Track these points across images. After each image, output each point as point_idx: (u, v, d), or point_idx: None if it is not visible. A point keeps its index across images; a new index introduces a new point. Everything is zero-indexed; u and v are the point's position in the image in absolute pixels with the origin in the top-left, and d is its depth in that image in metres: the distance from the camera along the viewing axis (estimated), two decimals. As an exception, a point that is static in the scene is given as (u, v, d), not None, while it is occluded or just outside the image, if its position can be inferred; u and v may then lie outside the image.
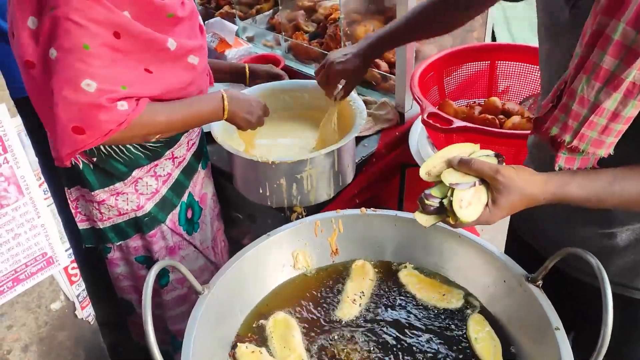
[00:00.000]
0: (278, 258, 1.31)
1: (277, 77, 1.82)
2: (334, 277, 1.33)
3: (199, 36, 1.45)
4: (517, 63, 1.86)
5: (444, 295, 1.25)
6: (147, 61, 1.27)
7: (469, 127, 1.46)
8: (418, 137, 1.86)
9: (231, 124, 1.48)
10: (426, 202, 0.99)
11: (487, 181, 0.98)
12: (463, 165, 0.99)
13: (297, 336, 1.18)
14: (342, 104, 1.71)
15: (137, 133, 1.28)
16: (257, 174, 1.53)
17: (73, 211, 1.49)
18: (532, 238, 1.34)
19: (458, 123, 1.46)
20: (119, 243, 1.55)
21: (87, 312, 1.17)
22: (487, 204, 0.98)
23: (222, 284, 1.17)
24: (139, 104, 1.25)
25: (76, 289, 1.12)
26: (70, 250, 1.07)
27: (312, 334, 1.19)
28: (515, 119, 1.68)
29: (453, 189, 0.97)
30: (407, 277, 1.30)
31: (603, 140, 0.92)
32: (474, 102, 1.91)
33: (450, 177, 0.99)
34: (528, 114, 1.76)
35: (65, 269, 1.08)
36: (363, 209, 1.35)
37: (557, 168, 0.98)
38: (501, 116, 1.73)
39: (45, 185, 0.98)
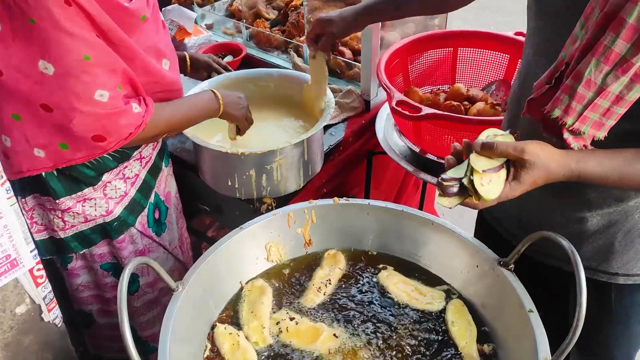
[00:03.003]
0: (251, 251, 1.29)
1: (218, 72, 1.78)
2: (307, 268, 1.33)
3: (162, 30, 1.40)
4: (479, 49, 1.88)
5: (425, 296, 1.24)
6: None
7: (438, 115, 1.47)
8: (384, 125, 1.86)
9: (225, 119, 1.49)
10: (445, 184, 0.97)
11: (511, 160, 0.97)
12: (486, 149, 0.96)
13: (266, 304, 1.21)
14: (310, 93, 1.70)
15: (150, 133, 1.29)
16: (225, 166, 1.50)
17: (28, 222, 1.41)
18: (501, 224, 1.36)
19: (427, 110, 1.47)
20: (82, 252, 1.48)
21: (54, 315, 1.12)
22: (507, 180, 0.97)
23: (196, 280, 1.15)
24: (148, 104, 1.25)
25: (42, 291, 1.07)
26: (36, 252, 1.02)
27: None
28: (480, 105, 1.70)
29: (472, 169, 0.96)
30: (387, 279, 1.28)
31: (603, 122, 0.93)
32: (438, 89, 1.93)
33: (479, 163, 0.96)
34: (491, 100, 1.79)
35: (31, 270, 1.03)
36: (336, 198, 1.34)
37: (575, 148, 0.97)
38: (466, 102, 1.75)
39: (8, 184, 0.93)
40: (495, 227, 1.37)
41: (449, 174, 0.99)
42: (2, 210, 0.93)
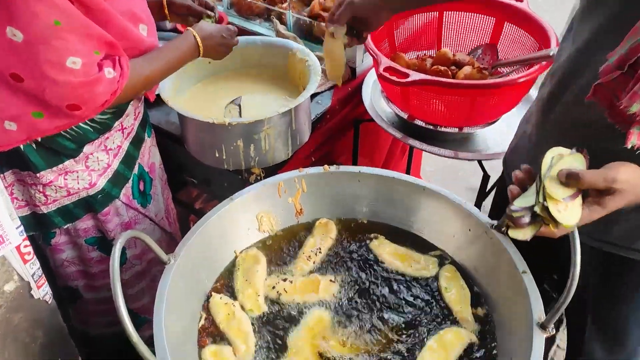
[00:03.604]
0: (242, 222, 1.28)
1: (199, 16, 1.70)
2: (298, 237, 1.32)
3: None
4: (465, 13, 1.86)
5: (418, 263, 1.25)
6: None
7: (426, 80, 1.45)
8: (371, 92, 1.84)
9: (207, 57, 1.46)
10: (516, 215, 0.93)
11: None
12: (572, 179, 0.90)
13: (260, 272, 1.21)
14: (295, 61, 1.66)
15: (129, 94, 1.26)
16: (212, 137, 1.47)
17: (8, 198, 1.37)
18: None
19: (415, 76, 1.45)
20: (66, 226, 1.45)
21: (43, 291, 1.10)
22: (585, 203, 0.91)
23: (187, 252, 1.13)
24: (123, 65, 1.20)
25: (30, 268, 1.05)
26: (22, 228, 1.00)
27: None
28: (467, 69, 1.69)
29: (545, 195, 0.91)
30: (379, 247, 1.29)
31: None
32: (424, 54, 1.90)
33: (557, 191, 0.90)
34: (478, 64, 1.77)
35: (18, 247, 1.00)
36: (326, 166, 1.33)
37: (628, 145, 0.90)
38: (452, 67, 1.74)
39: (-11, 159, 0.89)
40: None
41: (517, 203, 0.94)
42: (-15, 186, 0.90)
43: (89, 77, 1.14)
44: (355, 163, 2.02)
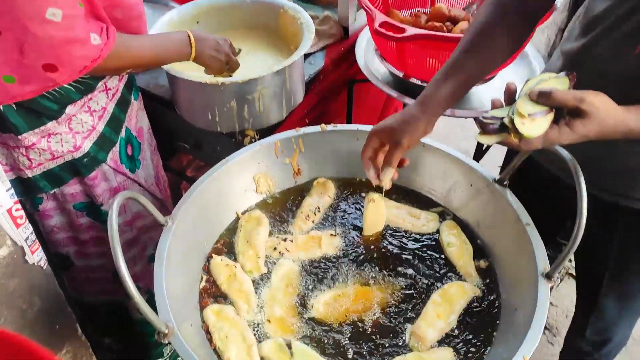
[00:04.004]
0: (239, 183, 1.25)
1: None
2: (296, 198, 1.30)
3: None
4: (459, -32, 1.81)
5: (418, 219, 1.24)
6: None
7: (423, 35, 1.41)
8: (364, 51, 1.80)
9: (199, 64, 1.39)
10: (485, 121, 0.94)
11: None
12: (543, 97, 0.90)
13: (262, 234, 1.20)
14: (286, 20, 1.61)
15: (109, 66, 1.20)
16: (204, 98, 1.43)
17: None
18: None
19: (411, 31, 1.41)
20: (52, 191, 1.41)
21: (38, 257, 1.07)
22: (557, 123, 0.91)
23: (185, 214, 1.11)
24: (109, 36, 1.15)
25: (23, 232, 1.02)
26: (12, 191, 0.96)
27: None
28: (463, 24, 1.65)
29: (515, 109, 0.92)
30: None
31: None
32: (418, 11, 1.86)
33: (526, 107, 0.91)
34: (472, 19, 1.73)
35: (9, 211, 0.97)
36: (323, 125, 1.30)
37: None
38: (448, 23, 1.70)
39: (-25, 118, 0.85)
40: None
41: (491, 113, 0.95)
42: (-27, 146, 0.86)
43: (70, 32, 1.09)
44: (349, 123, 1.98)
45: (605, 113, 0.88)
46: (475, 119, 0.96)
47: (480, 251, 1.16)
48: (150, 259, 1.66)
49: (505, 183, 1.14)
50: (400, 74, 1.67)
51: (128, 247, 1.61)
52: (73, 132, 1.33)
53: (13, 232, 0.99)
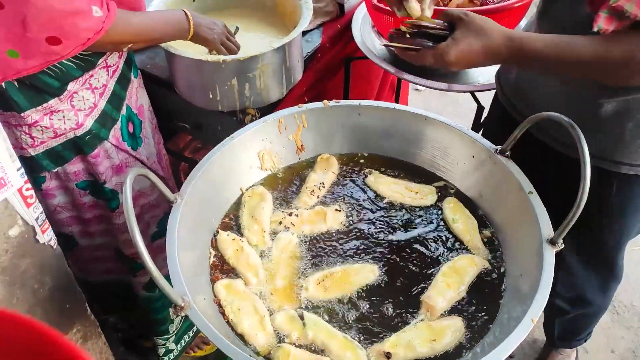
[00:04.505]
0: (244, 160, 1.26)
1: None
2: (300, 173, 1.31)
3: None
4: (454, -58, 1.81)
5: (416, 193, 1.26)
6: None
7: (423, 8, 1.41)
8: (361, 28, 1.80)
9: (197, 42, 1.41)
10: (392, 30, 1.10)
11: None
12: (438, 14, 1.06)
13: (266, 209, 1.22)
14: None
15: (111, 39, 1.20)
16: (205, 76, 1.43)
17: None
18: (519, 111, 1.33)
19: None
20: (55, 170, 1.42)
21: (48, 236, 1.08)
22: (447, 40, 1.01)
23: (193, 190, 1.12)
24: (110, 9, 1.15)
25: (34, 212, 1.02)
26: (22, 170, 0.96)
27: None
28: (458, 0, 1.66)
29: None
30: (376, 183, 1.28)
31: None
32: (413, -12, 1.86)
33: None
34: (469, -6, 1.74)
35: (20, 190, 0.97)
36: (325, 101, 1.31)
37: (595, 28, 0.94)
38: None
39: (-15, 96, 0.85)
40: (509, 113, 1.36)
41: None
42: (-17, 126, 0.86)
43: (72, 4, 1.08)
44: (346, 103, 1.99)
45: (486, 26, 0.98)
46: (389, 34, 1.10)
47: (482, 221, 1.18)
48: (153, 237, 1.67)
49: (507, 154, 1.16)
50: (398, 50, 1.68)
51: (132, 225, 1.62)
52: (75, 110, 1.33)
53: (24, 211, 0.99)
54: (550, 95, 1.21)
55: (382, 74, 2.21)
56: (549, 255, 0.97)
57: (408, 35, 1.05)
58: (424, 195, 1.25)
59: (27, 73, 1.17)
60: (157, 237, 1.69)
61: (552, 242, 0.98)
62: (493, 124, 1.52)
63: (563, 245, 0.98)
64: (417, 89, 3.17)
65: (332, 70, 1.86)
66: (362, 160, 1.34)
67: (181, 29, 1.36)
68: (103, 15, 1.15)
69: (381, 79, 2.22)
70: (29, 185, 0.99)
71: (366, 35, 1.78)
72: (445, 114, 3.18)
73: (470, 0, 1.66)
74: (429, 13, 1.12)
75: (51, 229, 1.08)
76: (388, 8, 1.43)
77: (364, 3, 1.86)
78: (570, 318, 1.62)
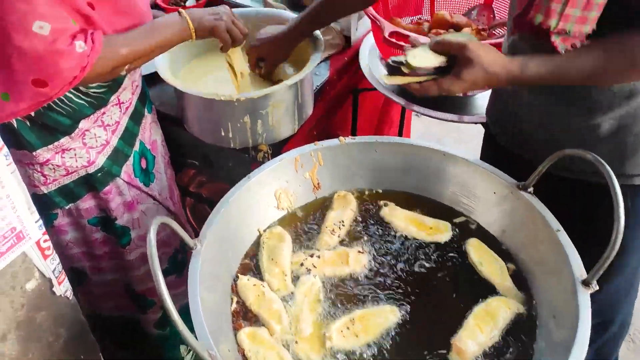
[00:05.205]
0: (262, 200, 1.24)
1: None
2: (318, 212, 1.29)
3: None
4: (458, -26, 1.83)
5: (431, 228, 1.23)
6: None
7: (435, 42, 1.41)
8: (368, 60, 1.80)
9: (203, 35, 1.32)
10: (392, 64, 1.08)
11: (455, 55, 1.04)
12: (436, 45, 1.06)
13: (286, 250, 1.18)
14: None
15: (102, 70, 1.16)
16: (216, 114, 1.41)
17: None
18: (511, 142, 1.34)
19: (423, 40, 1.40)
20: (67, 207, 1.39)
21: (64, 287, 1.05)
22: (450, 75, 1.03)
23: (212, 234, 1.09)
24: (95, 40, 1.11)
25: (51, 264, 0.99)
26: (41, 222, 0.94)
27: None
28: (467, 31, 1.66)
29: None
30: (390, 215, 1.26)
31: (586, 16, 0.95)
32: (419, 19, 1.87)
33: (421, 52, 1.07)
34: (475, 25, 1.74)
35: (38, 242, 0.94)
36: (341, 138, 1.29)
37: (562, 51, 1.00)
38: (451, 30, 1.71)
39: (6, 149, 0.82)
40: (506, 145, 1.36)
41: (398, 57, 1.09)
42: (3, 179, 0.83)
43: (54, 47, 1.06)
44: (354, 133, 1.98)
45: (487, 59, 1.00)
46: (386, 62, 1.09)
47: (507, 255, 1.16)
48: (164, 272, 1.64)
49: (530, 190, 1.14)
50: (408, 82, 1.67)
51: (143, 262, 1.59)
52: (87, 147, 1.32)
53: (41, 264, 0.96)
54: (541, 121, 1.22)
55: (383, 103, 2.21)
56: (584, 299, 0.94)
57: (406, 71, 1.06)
58: (440, 231, 1.22)
59: (20, 115, 1.16)
60: (167, 274, 1.66)
61: (586, 283, 0.96)
62: (487, 152, 1.51)
63: (597, 287, 0.95)
64: (417, 115, 3.17)
65: (340, 102, 1.86)
66: (379, 197, 1.31)
67: (181, 31, 1.28)
68: (87, 49, 1.11)
69: (382, 108, 2.22)
70: (46, 236, 0.96)
71: (374, 67, 1.78)
72: (448, 140, 3.20)
73: (477, 31, 1.67)
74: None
75: (67, 280, 1.05)
76: (400, 42, 1.42)
77: (370, 34, 1.86)
78: (595, 348, 1.58)
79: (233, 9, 1.64)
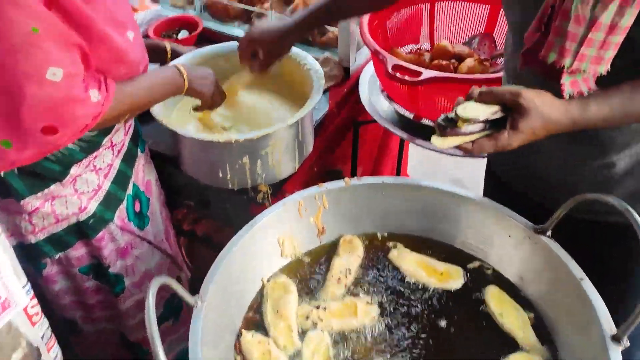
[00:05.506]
0: (264, 248, 1.17)
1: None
2: (324, 258, 1.22)
3: (121, 1, 1.22)
4: (458, 2, 1.79)
5: (441, 274, 1.17)
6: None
7: (442, 77, 1.37)
8: (368, 91, 1.75)
9: (190, 95, 1.34)
10: (443, 124, 0.95)
11: (509, 107, 0.94)
12: (485, 95, 0.94)
13: (291, 302, 1.11)
14: (292, 65, 1.55)
15: (110, 120, 1.15)
16: (214, 156, 1.35)
17: None
18: (516, 179, 1.29)
19: (428, 74, 1.36)
20: (57, 256, 1.32)
21: (53, 354, 0.97)
22: (506, 129, 0.93)
23: (214, 290, 1.02)
24: (109, 89, 1.09)
25: (40, 330, 0.91)
26: (29, 286, 0.86)
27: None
28: (470, 62, 1.62)
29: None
30: (399, 258, 1.20)
31: (602, 56, 0.90)
32: (419, 49, 1.83)
33: (468, 105, 0.95)
34: (477, 55, 1.70)
35: (25, 309, 0.87)
36: (347, 179, 1.23)
37: (566, 96, 0.93)
38: (453, 60, 1.66)
39: (-11, 214, 0.75)
40: (507, 183, 1.31)
41: (450, 114, 0.96)
42: (-14, 246, 0.76)
43: (70, 92, 1.03)
44: (354, 167, 1.92)
45: (545, 106, 0.91)
46: (435, 122, 0.97)
47: (526, 304, 1.09)
48: (161, 319, 1.56)
49: (548, 234, 1.08)
50: (411, 115, 1.62)
51: (138, 310, 1.52)
52: (78, 193, 1.26)
53: (29, 332, 0.88)
54: (554, 162, 1.16)
55: (383, 134, 2.16)
56: (616, 356, 0.88)
57: (459, 126, 0.94)
58: (451, 277, 1.16)
59: (21, 164, 1.11)
60: (164, 320, 1.58)
61: (616, 338, 0.90)
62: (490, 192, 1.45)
63: (629, 343, 0.89)
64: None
65: (341, 135, 1.80)
66: (387, 240, 1.25)
67: (176, 86, 1.29)
68: (101, 98, 1.08)
69: (382, 140, 2.16)
70: (34, 301, 0.88)
71: (376, 98, 1.73)
72: (442, 167, 3.15)
73: (480, 62, 1.62)
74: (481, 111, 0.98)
75: (57, 344, 0.97)
76: (405, 77, 1.37)
77: (369, 64, 1.81)
78: None
79: (227, 42, 1.61)
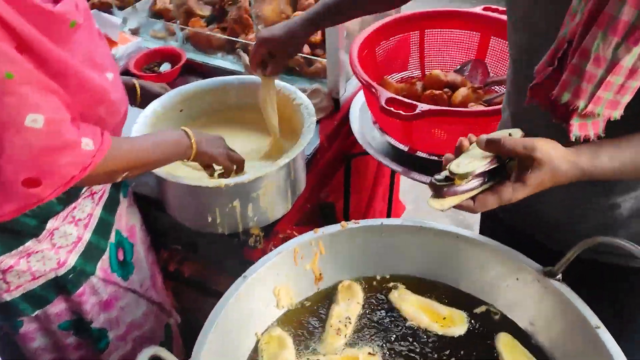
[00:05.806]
0: (259, 301, 1.10)
1: None
2: (321, 307, 1.16)
3: (97, 40, 1.15)
4: (448, 30, 1.75)
5: (444, 319, 1.11)
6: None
7: (437, 111, 1.32)
8: (360, 122, 1.70)
9: (201, 161, 1.26)
10: (438, 183, 0.88)
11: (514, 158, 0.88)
12: (492, 146, 0.87)
13: (289, 358, 1.04)
14: (281, 100, 1.50)
15: (102, 174, 1.05)
16: (203, 201, 1.28)
17: None
18: (516, 218, 1.24)
19: (423, 107, 1.31)
20: (35, 313, 1.23)
21: None
22: (510, 181, 0.87)
23: (207, 351, 0.94)
24: (104, 141, 1.02)
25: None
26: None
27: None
28: (463, 91, 1.58)
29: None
30: (400, 300, 1.14)
31: (618, 100, 0.84)
32: (409, 77, 1.79)
33: (466, 160, 0.87)
34: (470, 84, 1.66)
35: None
36: (344, 223, 1.17)
37: (572, 138, 0.88)
38: (446, 89, 1.62)
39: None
40: (505, 221, 1.26)
41: (443, 173, 0.89)
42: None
43: (56, 139, 0.95)
44: (347, 202, 1.86)
45: (558, 158, 0.86)
46: (429, 183, 0.90)
47: (538, 352, 1.03)
48: None
49: (558, 277, 1.03)
50: (406, 148, 1.57)
51: (123, 364, 1.43)
52: (56, 248, 1.18)
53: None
54: (557, 202, 1.11)
55: (377, 167, 2.10)
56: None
57: (456, 184, 0.87)
58: (454, 322, 1.10)
59: (2, 220, 1.02)
60: (151, 374, 1.49)
61: (639, 393, 0.84)
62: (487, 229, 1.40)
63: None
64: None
65: (333, 169, 1.74)
66: (388, 284, 1.19)
67: (182, 149, 1.21)
68: (94, 149, 1.00)
69: (376, 173, 2.11)
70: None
71: (368, 130, 1.68)
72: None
73: (473, 91, 1.58)
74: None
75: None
76: (399, 112, 1.32)
77: (360, 93, 1.77)
78: None
79: (216, 78, 1.55)
